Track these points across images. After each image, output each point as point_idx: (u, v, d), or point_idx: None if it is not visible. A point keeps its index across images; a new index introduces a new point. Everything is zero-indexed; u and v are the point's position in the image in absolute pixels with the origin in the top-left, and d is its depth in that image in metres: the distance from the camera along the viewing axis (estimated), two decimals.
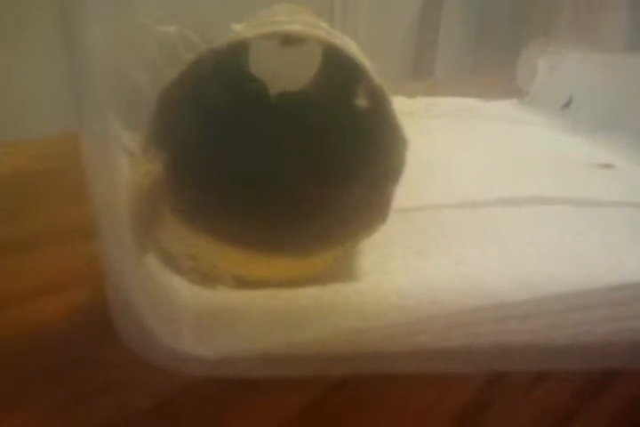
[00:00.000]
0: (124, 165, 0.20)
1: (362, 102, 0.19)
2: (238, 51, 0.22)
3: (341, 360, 0.19)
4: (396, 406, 0.19)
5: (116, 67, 0.24)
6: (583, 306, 0.22)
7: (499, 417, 0.19)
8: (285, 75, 0.26)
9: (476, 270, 0.23)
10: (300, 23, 0.20)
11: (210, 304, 0.21)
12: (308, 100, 0.25)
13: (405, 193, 0.22)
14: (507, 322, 0.20)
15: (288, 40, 0.19)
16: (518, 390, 0.20)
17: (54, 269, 0.26)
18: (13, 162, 0.40)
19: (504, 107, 0.53)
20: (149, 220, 0.20)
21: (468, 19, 0.93)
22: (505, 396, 0.19)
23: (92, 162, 0.18)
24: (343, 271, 0.22)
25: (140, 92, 0.24)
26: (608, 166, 0.37)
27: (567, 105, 0.50)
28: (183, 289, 0.21)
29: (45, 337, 0.21)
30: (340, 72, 0.20)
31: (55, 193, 0.34)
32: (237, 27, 0.25)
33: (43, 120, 0.55)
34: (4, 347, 0.21)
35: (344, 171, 0.22)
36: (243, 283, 0.21)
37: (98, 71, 0.19)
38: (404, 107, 0.46)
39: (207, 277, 0.21)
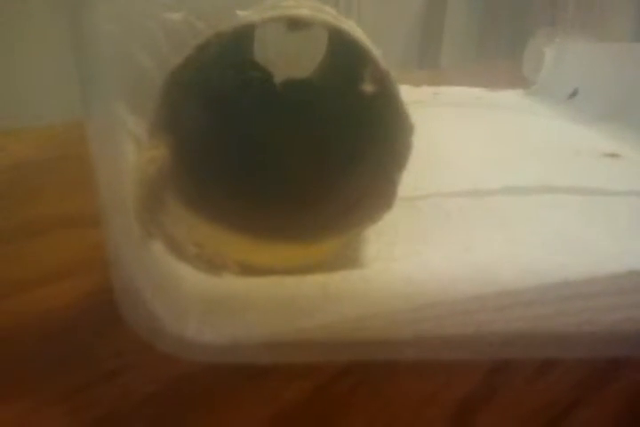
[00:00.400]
0: (129, 150, 0.20)
1: (368, 87, 0.19)
2: (244, 36, 0.21)
3: (346, 347, 0.19)
4: (401, 393, 0.19)
5: (122, 53, 0.24)
6: (588, 294, 0.22)
7: (503, 406, 0.19)
8: (291, 61, 0.26)
9: (481, 258, 0.23)
10: (306, 8, 0.20)
11: (215, 291, 0.20)
12: (314, 87, 0.25)
13: (411, 181, 0.22)
14: (511, 310, 0.20)
15: (295, 24, 0.19)
16: (522, 378, 0.20)
17: (60, 256, 0.26)
18: (20, 150, 0.40)
19: (510, 96, 0.53)
20: (155, 206, 0.20)
21: (474, 8, 0.92)
22: (509, 384, 0.19)
23: (97, 148, 0.18)
24: (349, 258, 0.22)
25: (146, 78, 0.24)
26: (614, 156, 0.37)
27: (573, 95, 0.50)
28: (188, 276, 0.21)
29: (51, 324, 0.22)
30: (346, 57, 0.20)
31: (61, 180, 0.34)
32: (243, 13, 0.25)
33: (48, 107, 0.55)
34: (9, 334, 0.21)
35: (350, 157, 0.22)
36: (248, 270, 0.21)
37: (104, 57, 0.18)
38: (409, 95, 0.45)
39: (212, 264, 0.21)
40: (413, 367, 0.19)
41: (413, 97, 0.43)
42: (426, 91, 0.49)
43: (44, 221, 0.29)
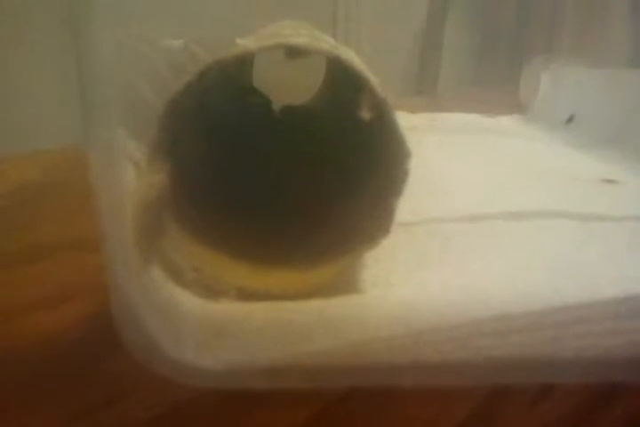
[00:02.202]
0: (130, 176, 0.20)
1: (366, 115, 0.19)
2: (243, 63, 0.22)
3: (345, 372, 0.19)
4: (400, 419, 0.19)
5: (123, 79, 0.24)
6: (587, 319, 0.22)
7: None
8: (289, 88, 0.27)
9: (479, 283, 0.23)
10: (304, 36, 0.21)
11: (213, 316, 0.21)
12: (312, 113, 0.25)
13: (407, 207, 0.22)
14: (510, 335, 0.20)
15: (293, 52, 0.19)
16: (522, 403, 0.20)
17: (61, 280, 0.26)
18: (19, 175, 0.41)
19: (507, 122, 0.53)
20: (154, 231, 0.20)
21: (471, 34, 0.94)
22: (509, 409, 0.19)
23: (98, 173, 0.18)
24: (347, 284, 0.22)
25: (146, 104, 0.25)
26: (611, 181, 0.37)
27: (570, 120, 0.50)
28: (187, 301, 0.21)
29: (51, 348, 0.22)
30: (344, 85, 0.20)
31: (62, 205, 0.35)
32: (242, 41, 0.25)
33: (47, 133, 0.55)
34: (9, 358, 0.21)
35: (347, 183, 0.22)
36: (246, 295, 0.21)
37: (105, 84, 0.19)
38: (406, 121, 0.46)
39: (211, 289, 0.21)
40: (412, 393, 0.19)
41: (411, 123, 0.44)
42: (423, 117, 0.49)
43: (45, 246, 0.29)
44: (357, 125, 0.20)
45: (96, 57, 0.18)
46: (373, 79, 0.20)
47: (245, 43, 0.22)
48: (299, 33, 0.22)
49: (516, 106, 0.58)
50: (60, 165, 0.42)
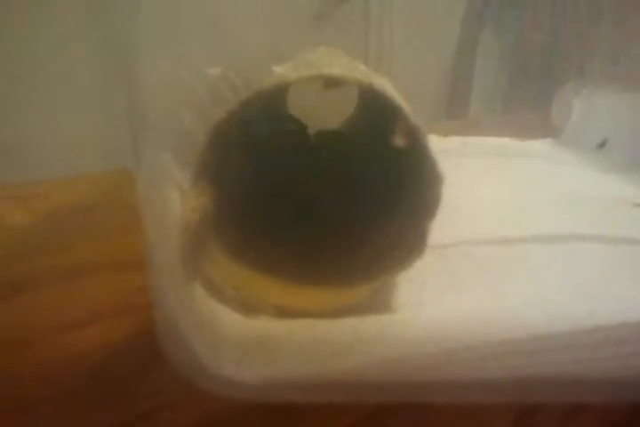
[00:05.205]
0: (174, 199, 0.21)
1: (400, 141, 0.20)
2: (280, 91, 0.23)
3: (377, 389, 0.20)
4: None
5: (168, 107, 0.26)
6: (618, 340, 0.22)
7: None
8: (323, 114, 0.28)
9: (511, 304, 0.24)
10: (339, 65, 0.22)
11: (252, 332, 0.21)
12: (346, 138, 0.26)
13: (440, 229, 0.22)
14: (540, 354, 0.21)
15: (329, 82, 0.20)
16: (553, 422, 0.20)
17: (106, 298, 0.27)
18: (61, 196, 0.42)
19: (539, 146, 0.53)
20: (197, 252, 0.21)
21: (503, 59, 0.94)
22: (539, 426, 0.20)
23: (145, 197, 0.19)
24: (380, 303, 0.23)
25: (188, 130, 0.26)
26: None
27: (602, 145, 0.50)
28: (227, 317, 0.22)
29: (95, 362, 0.22)
30: (377, 112, 0.21)
31: (106, 226, 0.36)
32: (278, 69, 0.27)
33: (89, 156, 0.57)
34: (56, 370, 0.22)
35: (381, 206, 0.23)
36: (283, 313, 0.22)
37: (152, 111, 0.20)
38: (438, 145, 0.46)
39: (250, 307, 0.22)
40: (443, 409, 0.20)
41: (442, 146, 0.44)
42: (454, 140, 0.50)
43: (87, 265, 0.30)
44: (391, 151, 0.20)
45: (144, 85, 0.20)
46: (406, 107, 0.20)
47: (283, 72, 0.23)
48: (333, 61, 0.23)
49: (547, 130, 0.58)
50: (100, 187, 0.43)
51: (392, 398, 0.20)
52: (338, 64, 0.22)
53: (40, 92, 0.59)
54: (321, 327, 0.22)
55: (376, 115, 0.22)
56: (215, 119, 0.22)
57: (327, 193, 0.25)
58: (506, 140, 0.53)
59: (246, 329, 0.21)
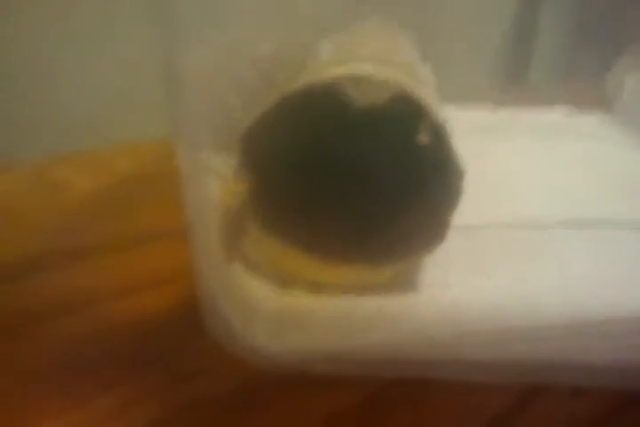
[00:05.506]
0: (214, 185, 0.23)
1: (424, 139, 0.21)
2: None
3: (394, 364, 0.22)
4: (439, 407, 0.21)
5: (211, 90, 0.27)
6: (631, 331, 0.23)
7: (534, 424, 0.21)
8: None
9: (531, 290, 0.25)
10: (375, 59, 0.23)
11: (284, 306, 0.23)
12: (382, 123, 0.27)
13: (472, 210, 0.23)
14: (548, 341, 0.22)
15: (357, 82, 0.21)
16: (556, 402, 0.21)
17: (153, 267, 0.29)
18: (130, 164, 0.43)
19: (590, 121, 0.52)
20: (236, 233, 0.23)
21: (566, 25, 0.92)
22: (542, 406, 0.21)
23: (186, 183, 0.21)
24: (406, 283, 0.25)
25: (233, 115, 0.27)
26: None
27: None
28: (262, 292, 0.24)
29: (141, 328, 0.25)
30: (404, 107, 0.22)
31: (170, 193, 0.37)
32: (326, 48, 0.28)
33: (141, 125, 0.58)
34: (104, 336, 0.24)
35: (408, 194, 0.24)
36: (315, 289, 0.24)
37: (194, 96, 0.21)
38: (485, 121, 0.46)
39: (284, 283, 0.24)
40: (453, 384, 0.21)
41: (488, 123, 0.45)
42: (503, 115, 0.49)
43: (140, 235, 0.32)
44: (415, 145, 0.22)
45: (187, 70, 0.21)
46: (435, 105, 0.21)
47: (324, 60, 0.24)
48: (372, 53, 0.24)
49: (604, 103, 0.57)
50: (166, 154, 0.44)
51: (406, 373, 0.22)
52: (375, 57, 0.23)
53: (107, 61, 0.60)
54: (348, 305, 0.24)
55: (403, 110, 0.23)
56: (263, 106, 0.23)
57: (361, 177, 0.26)
58: (556, 116, 0.53)
59: (279, 304, 0.23)
